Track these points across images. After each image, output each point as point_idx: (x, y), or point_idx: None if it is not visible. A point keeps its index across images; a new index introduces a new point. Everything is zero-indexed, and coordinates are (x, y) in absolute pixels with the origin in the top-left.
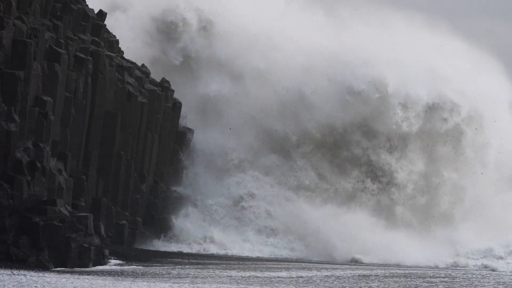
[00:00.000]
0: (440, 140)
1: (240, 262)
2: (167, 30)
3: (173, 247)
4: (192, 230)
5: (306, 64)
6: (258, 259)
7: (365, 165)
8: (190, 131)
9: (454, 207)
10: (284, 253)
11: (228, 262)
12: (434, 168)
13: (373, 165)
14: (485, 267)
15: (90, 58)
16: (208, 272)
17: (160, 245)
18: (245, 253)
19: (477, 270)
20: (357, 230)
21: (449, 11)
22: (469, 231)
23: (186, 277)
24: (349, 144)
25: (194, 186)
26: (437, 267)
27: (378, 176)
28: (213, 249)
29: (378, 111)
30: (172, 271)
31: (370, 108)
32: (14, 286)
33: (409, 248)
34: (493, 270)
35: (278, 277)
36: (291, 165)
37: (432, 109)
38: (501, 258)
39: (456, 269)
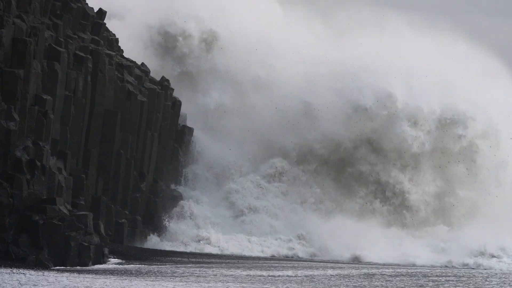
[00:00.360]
0: (453, 160)
1: (241, 260)
2: (165, 43)
3: (171, 246)
4: (190, 229)
5: (308, 74)
6: (258, 258)
7: (374, 184)
8: (190, 130)
9: (469, 231)
10: (287, 252)
11: (230, 261)
12: (449, 187)
13: (382, 185)
14: (479, 266)
15: (90, 57)
16: (213, 271)
17: (159, 244)
18: (245, 252)
19: (473, 269)
20: (360, 233)
21: (448, 10)
22: (465, 230)
23: (191, 275)
24: (356, 162)
25: (194, 186)
26: (432, 266)
27: (389, 197)
28: (210, 249)
29: (387, 128)
30: (177, 270)
31: (378, 125)
32: (14, 285)
33: (407, 248)
34: (486, 269)
35: (283, 276)
36: (294, 177)
37: (444, 125)
38: (494, 256)
39: (455, 268)
